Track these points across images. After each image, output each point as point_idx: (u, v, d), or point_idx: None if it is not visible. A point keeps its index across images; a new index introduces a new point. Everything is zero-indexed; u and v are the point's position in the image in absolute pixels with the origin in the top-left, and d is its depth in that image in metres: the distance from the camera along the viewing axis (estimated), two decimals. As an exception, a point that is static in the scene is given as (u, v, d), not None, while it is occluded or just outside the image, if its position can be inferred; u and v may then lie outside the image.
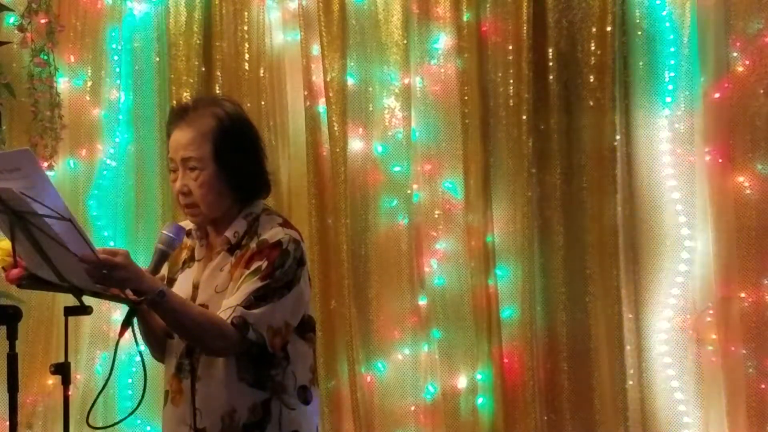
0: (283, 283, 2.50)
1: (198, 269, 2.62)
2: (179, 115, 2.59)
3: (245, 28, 4.56)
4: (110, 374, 2.60)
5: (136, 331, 2.46)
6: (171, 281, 2.68)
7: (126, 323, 2.41)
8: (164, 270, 2.69)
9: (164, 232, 2.55)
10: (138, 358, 4.32)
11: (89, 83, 4.61)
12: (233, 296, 2.48)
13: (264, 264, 2.49)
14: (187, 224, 2.68)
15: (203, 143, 2.53)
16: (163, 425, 2.66)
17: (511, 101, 4.36)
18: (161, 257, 2.53)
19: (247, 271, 2.49)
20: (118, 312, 4.40)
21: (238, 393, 2.51)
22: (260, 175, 2.63)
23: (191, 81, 4.54)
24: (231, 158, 2.54)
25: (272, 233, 2.54)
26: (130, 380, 4.47)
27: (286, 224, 2.59)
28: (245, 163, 2.58)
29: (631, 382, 4.25)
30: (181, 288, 2.62)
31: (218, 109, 2.58)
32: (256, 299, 2.46)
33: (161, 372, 2.75)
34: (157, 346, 2.67)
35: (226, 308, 2.46)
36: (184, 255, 2.69)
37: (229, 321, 2.43)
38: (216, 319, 2.45)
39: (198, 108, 2.58)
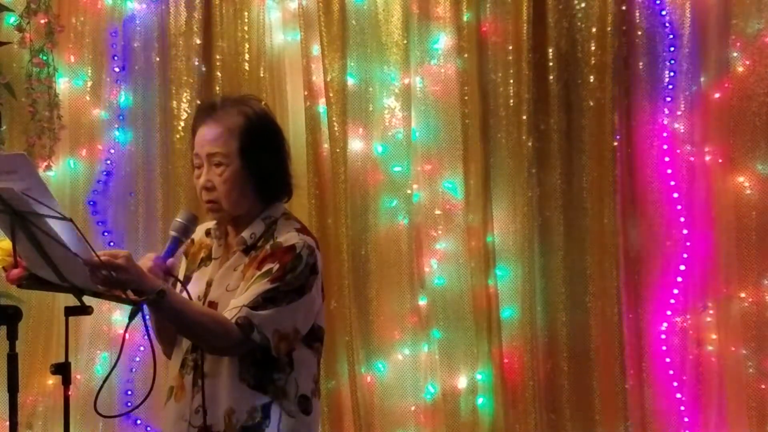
0: (293, 287, 2.49)
1: (213, 268, 2.62)
2: (206, 112, 2.59)
3: (245, 28, 4.55)
4: (114, 365, 2.60)
5: (148, 325, 2.45)
6: (188, 278, 2.67)
7: (128, 323, 2.41)
8: (183, 268, 2.70)
9: (178, 219, 2.56)
10: (138, 358, 4.39)
11: (89, 83, 4.61)
12: (241, 296, 2.47)
13: (276, 266, 2.48)
14: (208, 224, 2.68)
15: (230, 139, 2.53)
16: (163, 420, 2.65)
17: (511, 101, 4.36)
18: (174, 244, 2.54)
19: (258, 272, 2.49)
20: (118, 312, 4.40)
21: (238, 393, 2.50)
22: (284, 176, 2.63)
23: (191, 81, 4.54)
24: (257, 156, 2.54)
25: (287, 237, 2.53)
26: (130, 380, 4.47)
27: (303, 230, 2.59)
28: (270, 162, 2.58)
29: (631, 382, 4.25)
30: (196, 285, 2.62)
31: (246, 107, 2.59)
32: (264, 301, 2.45)
33: (161, 371, 2.75)
34: (169, 344, 2.66)
35: (233, 308, 2.46)
36: (202, 254, 2.69)
37: (233, 321, 2.43)
38: (220, 318, 2.45)
39: (226, 106, 2.58)
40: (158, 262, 2.48)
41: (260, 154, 2.55)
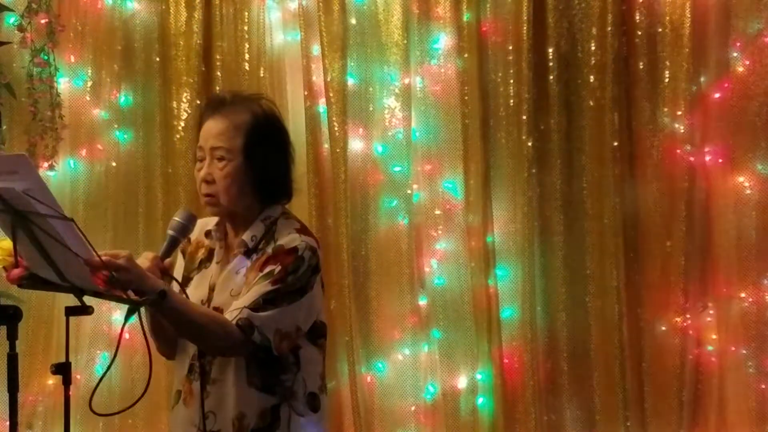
0: (295, 288, 2.50)
1: (215, 272, 2.62)
2: (215, 106, 2.60)
3: (245, 28, 4.55)
4: (110, 365, 2.60)
5: (143, 322, 2.44)
6: (187, 280, 2.67)
7: (125, 321, 2.40)
8: (181, 268, 2.69)
9: (176, 218, 2.56)
10: (139, 359, 4.38)
11: (89, 83, 4.61)
12: (242, 298, 2.47)
13: (277, 269, 2.48)
14: (207, 223, 2.68)
15: (235, 135, 2.53)
16: (171, 425, 2.65)
17: (511, 101, 4.36)
18: (172, 243, 2.54)
19: (260, 274, 2.49)
20: (118, 312, 4.40)
21: (247, 397, 2.50)
22: (285, 178, 2.63)
23: (191, 81, 4.54)
24: (260, 155, 2.54)
25: (289, 239, 2.53)
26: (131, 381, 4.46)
27: (303, 230, 2.59)
28: (273, 162, 2.58)
29: (631, 382, 4.25)
30: (198, 289, 2.62)
31: (255, 105, 2.60)
32: (264, 302, 2.45)
33: (163, 375, 2.74)
34: (165, 342, 2.66)
35: (233, 309, 2.46)
36: (201, 254, 2.68)
37: (234, 322, 2.43)
38: (220, 319, 2.45)
39: (235, 102, 2.59)
40: (155, 261, 2.47)
41: (264, 153, 2.55)
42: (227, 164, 2.53)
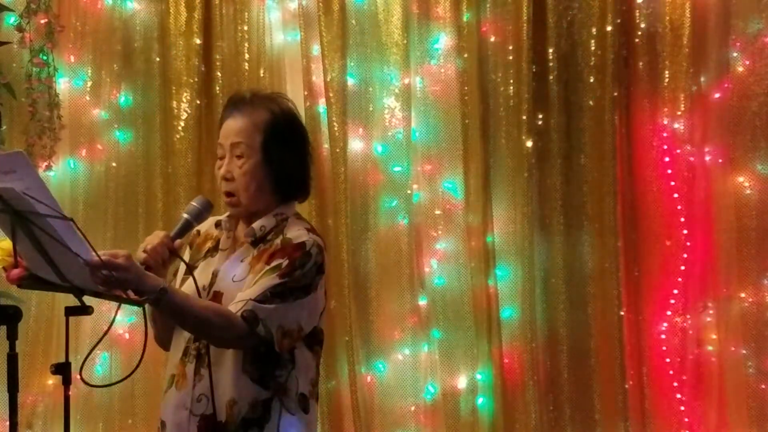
0: (301, 285, 2.52)
1: (220, 259, 2.65)
2: (235, 104, 2.64)
3: (245, 28, 4.55)
4: (107, 331, 2.64)
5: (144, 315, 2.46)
6: (191, 269, 2.68)
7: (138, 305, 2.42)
8: (186, 257, 2.71)
9: (193, 203, 2.61)
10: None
11: (89, 83, 4.60)
12: (249, 290, 2.49)
13: (285, 262, 2.50)
14: (217, 216, 2.70)
15: (254, 133, 2.58)
16: (162, 409, 2.65)
17: (511, 101, 4.36)
18: (185, 227, 2.58)
19: (267, 267, 2.51)
20: (118, 312, 4.38)
21: (240, 384, 2.51)
22: (302, 176, 2.66)
23: (191, 81, 4.54)
24: (278, 152, 2.58)
25: (297, 234, 2.57)
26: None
27: (312, 230, 2.63)
28: (290, 160, 2.61)
29: (631, 382, 4.25)
30: (201, 275, 2.63)
31: (274, 104, 2.64)
32: (271, 295, 2.47)
33: (162, 375, 2.73)
34: (164, 329, 2.67)
35: (239, 300, 2.47)
36: (209, 244, 2.71)
37: (239, 314, 2.44)
38: (223, 311, 2.46)
39: (255, 100, 2.63)
40: (165, 240, 2.50)
41: (282, 151, 2.59)
42: (246, 161, 2.57)
